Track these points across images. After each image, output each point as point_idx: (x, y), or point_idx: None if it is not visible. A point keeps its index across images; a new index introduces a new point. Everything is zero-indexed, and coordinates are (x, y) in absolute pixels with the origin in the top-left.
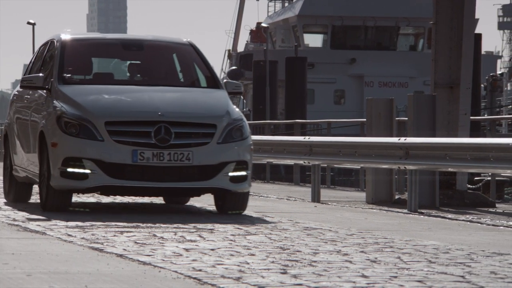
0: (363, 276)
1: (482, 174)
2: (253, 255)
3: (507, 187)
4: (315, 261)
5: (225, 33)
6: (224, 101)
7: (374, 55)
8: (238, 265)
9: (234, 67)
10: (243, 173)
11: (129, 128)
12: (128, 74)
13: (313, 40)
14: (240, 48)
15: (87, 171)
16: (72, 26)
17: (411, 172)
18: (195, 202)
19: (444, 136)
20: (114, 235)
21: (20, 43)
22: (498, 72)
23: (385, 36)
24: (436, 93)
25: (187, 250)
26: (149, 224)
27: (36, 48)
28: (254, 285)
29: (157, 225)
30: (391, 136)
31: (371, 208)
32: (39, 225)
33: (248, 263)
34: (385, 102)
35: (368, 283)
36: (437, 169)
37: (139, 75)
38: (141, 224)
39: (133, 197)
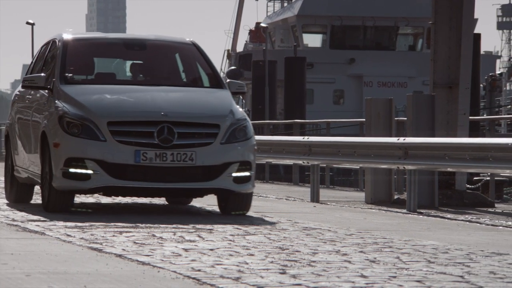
0: (362, 276)
1: (481, 174)
2: (252, 255)
3: (506, 187)
4: (314, 261)
5: (224, 33)
6: (228, 101)
7: (373, 55)
8: (237, 265)
9: (233, 67)
10: (247, 173)
11: (131, 128)
12: (130, 74)
13: (312, 40)
14: (239, 48)
15: (90, 171)
16: (71, 26)
17: (410, 172)
18: (195, 202)
19: (443, 136)
20: (113, 235)
21: (19, 43)
22: (497, 72)
23: (384, 36)
24: (435, 93)
25: (186, 250)
26: (148, 224)
27: (37, 48)
28: (253, 285)
29: (156, 225)
30: (390, 136)
31: (370, 208)
32: (38, 225)
33: (247, 263)
34: (384, 102)
35: (367, 283)
36: (436, 169)
37: (141, 75)
38: (140, 224)
39: (132, 198)
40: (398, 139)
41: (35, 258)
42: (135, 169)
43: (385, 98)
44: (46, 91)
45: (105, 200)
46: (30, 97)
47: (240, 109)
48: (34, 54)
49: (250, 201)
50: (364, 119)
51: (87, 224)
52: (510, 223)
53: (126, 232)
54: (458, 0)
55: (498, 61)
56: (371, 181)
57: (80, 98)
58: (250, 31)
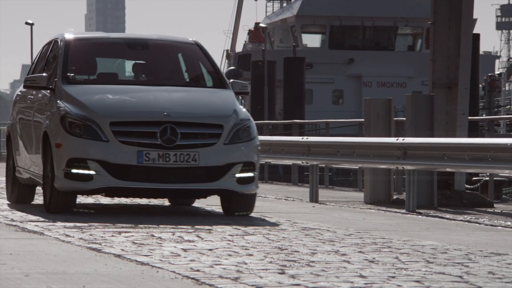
0: (361, 276)
1: (480, 174)
2: (251, 255)
3: (505, 187)
4: (313, 261)
5: (223, 33)
6: (231, 101)
7: (372, 55)
8: (236, 265)
9: (232, 67)
10: (250, 174)
11: (134, 128)
12: (133, 74)
13: (311, 40)
14: (239, 48)
15: (92, 172)
16: (70, 26)
17: (409, 172)
18: (195, 202)
19: (442, 136)
20: (112, 236)
21: (19, 43)
22: (496, 72)
23: (383, 36)
24: (434, 93)
25: (185, 250)
26: (147, 224)
27: (36, 48)
28: (252, 285)
29: (155, 225)
30: (389, 136)
31: (369, 208)
32: (37, 226)
33: (246, 263)
34: (383, 102)
35: (366, 283)
36: (435, 169)
37: (144, 75)
38: (139, 224)
39: (132, 198)
40: (397, 139)
41: (34, 258)
42: (137, 169)
43: (384, 98)
44: (48, 91)
45: (104, 200)
46: (32, 97)
47: (244, 109)
48: (36, 54)
49: (254, 202)
50: (363, 119)
51: (86, 224)
52: (509, 223)
53: (125, 232)
54: (457, 0)
55: (497, 61)
56: (370, 181)
57: (82, 98)
58: (249, 31)
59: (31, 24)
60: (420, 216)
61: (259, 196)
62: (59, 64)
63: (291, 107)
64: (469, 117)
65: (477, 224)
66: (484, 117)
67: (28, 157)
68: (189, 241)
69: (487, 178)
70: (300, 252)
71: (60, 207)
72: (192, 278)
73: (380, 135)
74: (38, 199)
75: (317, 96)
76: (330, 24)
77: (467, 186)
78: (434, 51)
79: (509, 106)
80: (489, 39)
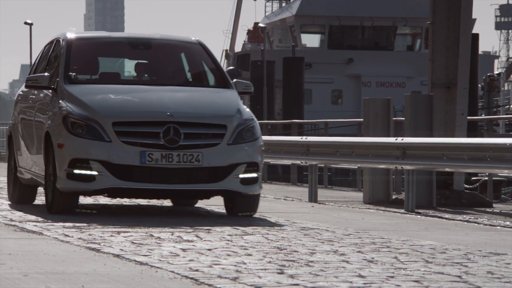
0: (360, 276)
1: (479, 174)
2: (250, 255)
3: (504, 187)
4: (312, 261)
5: (222, 33)
6: (235, 101)
7: (371, 55)
8: (235, 265)
9: (231, 67)
10: (254, 175)
11: (137, 128)
12: (132, 73)
13: (311, 40)
14: (238, 48)
15: (94, 172)
16: (69, 26)
17: (408, 172)
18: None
19: (441, 136)
20: (111, 235)
21: (18, 43)
22: (496, 72)
23: (382, 36)
24: (433, 93)
25: (184, 250)
26: (146, 224)
27: (35, 48)
28: (251, 285)
29: (154, 225)
30: (388, 136)
31: (368, 208)
32: (36, 225)
33: (245, 263)
34: (382, 102)
35: (365, 283)
36: (434, 169)
37: (146, 75)
38: (138, 224)
39: (131, 198)
40: (396, 139)
41: (33, 258)
42: (140, 170)
43: (383, 98)
44: (50, 91)
45: (103, 200)
46: (34, 97)
47: (247, 109)
48: (35, 53)
49: (258, 202)
50: (362, 119)
51: (85, 224)
52: (508, 223)
53: (124, 232)
54: (456, 0)
55: (496, 61)
56: (369, 181)
57: (85, 98)
58: (248, 31)
59: (30, 24)
60: (419, 216)
61: None
62: (61, 63)
63: (290, 107)
64: (468, 117)
65: (476, 224)
66: (483, 117)
67: (30, 157)
68: (188, 241)
69: (486, 178)
70: (299, 252)
71: (62, 208)
72: (191, 278)
73: (379, 135)
74: (38, 199)
75: (316, 96)
76: (329, 24)
77: (466, 186)
78: (433, 51)
79: (508, 106)
80: (488, 39)
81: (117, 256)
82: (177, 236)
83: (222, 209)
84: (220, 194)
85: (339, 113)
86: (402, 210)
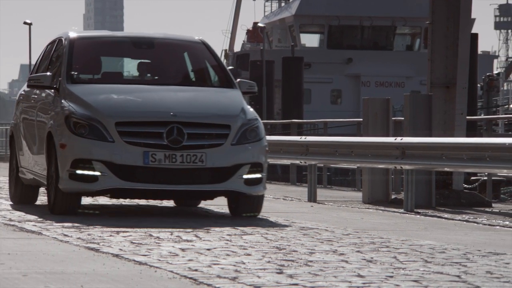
0: (359, 276)
1: (478, 174)
2: (249, 255)
3: (504, 186)
4: (311, 261)
5: (221, 33)
6: (238, 101)
7: (370, 55)
8: (234, 265)
9: (230, 67)
10: (258, 175)
11: (140, 128)
12: (137, 73)
13: (310, 40)
14: (237, 48)
15: (97, 173)
16: (68, 25)
17: (408, 172)
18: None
19: (440, 135)
20: (110, 235)
21: (17, 43)
22: (495, 71)
23: (381, 35)
24: (433, 93)
25: (183, 250)
26: (145, 224)
27: (35, 48)
28: (250, 285)
29: (153, 225)
30: (388, 136)
31: (368, 208)
32: (35, 225)
33: (244, 263)
34: (382, 102)
35: (364, 283)
36: (433, 169)
37: (149, 74)
38: (137, 224)
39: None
40: (396, 139)
41: (32, 258)
42: (143, 170)
43: (383, 98)
44: (52, 90)
45: (102, 200)
46: (36, 96)
47: (251, 109)
48: (34, 53)
49: (262, 203)
50: (361, 119)
51: (84, 224)
52: (507, 222)
53: (123, 232)
54: (455, 0)
55: (495, 61)
56: (369, 181)
57: (87, 98)
58: (248, 31)
59: (29, 24)
60: (418, 216)
61: None
62: (63, 63)
63: (290, 106)
64: (467, 117)
65: (475, 224)
66: (482, 116)
67: (32, 157)
68: (187, 240)
69: (485, 178)
70: (298, 251)
71: (65, 209)
72: (190, 278)
73: (378, 134)
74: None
75: (316, 96)
76: (329, 23)
77: (465, 185)
78: (432, 50)
79: (507, 106)
80: (488, 38)
81: (116, 256)
82: (176, 236)
83: (221, 209)
84: (223, 194)
85: (338, 113)
86: (401, 210)
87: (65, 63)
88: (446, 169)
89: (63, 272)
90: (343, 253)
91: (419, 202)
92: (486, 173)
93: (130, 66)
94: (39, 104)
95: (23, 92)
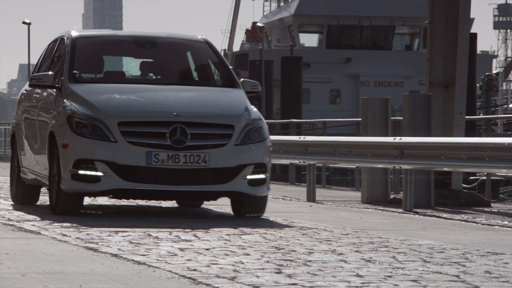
0: (358, 275)
1: (477, 174)
2: (248, 254)
3: (502, 186)
4: (310, 261)
5: (220, 33)
6: (242, 101)
7: (369, 55)
8: (233, 265)
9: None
10: (262, 176)
11: (143, 128)
12: (140, 72)
13: (309, 39)
14: (236, 47)
15: (99, 173)
16: (67, 25)
17: (406, 171)
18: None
19: (439, 135)
20: (109, 235)
21: (16, 43)
22: (494, 71)
23: (380, 35)
24: (431, 93)
25: (182, 249)
26: (144, 224)
27: (33, 48)
28: (249, 285)
29: (152, 224)
30: (387, 135)
31: (367, 208)
32: (34, 225)
33: (243, 263)
34: (381, 102)
35: (362, 283)
36: (432, 168)
37: (152, 74)
38: (136, 224)
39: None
40: (394, 139)
41: (31, 257)
42: (146, 171)
43: (381, 98)
44: (54, 90)
45: (101, 200)
46: (37, 96)
47: (255, 109)
48: (36, 53)
49: (265, 203)
50: (360, 119)
51: (83, 223)
52: (506, 222)
53: (122, 231)
54: (454, 0)
55: (494, 60)
56: (367, 181)
57: (90, 97)
58: (247, 31)
59: (28, 24)
60: (417, 216)
61: None
62: (65, 62)
63: (289, 106)
64: (466, 117)
65: (474, 224)
66: (481, 116)
67: (34, 157)
68: (186, 240)
69: (484, 178)
70: (297, 251)
71: (67, 209)
72: (189, 278)
73: (377, 134)
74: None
75: (315, 96)
76: (328, 23)
77: (464, 185)
78: (431, 50)
79: (506, 106)
80: (487, 38)
81: (115, 255)
82: (175, 236)
83: (220, 209)
84: (227, 195)
85: (337, 112)
86: (400, 210)
87: (67, 62)
88: (445, 169)
89: (61, 272)
90: (342, 253)
91: (418, 202)
92: (485, 173)
93: (133, 66)
94: (41, 103)
95: (24, 92)
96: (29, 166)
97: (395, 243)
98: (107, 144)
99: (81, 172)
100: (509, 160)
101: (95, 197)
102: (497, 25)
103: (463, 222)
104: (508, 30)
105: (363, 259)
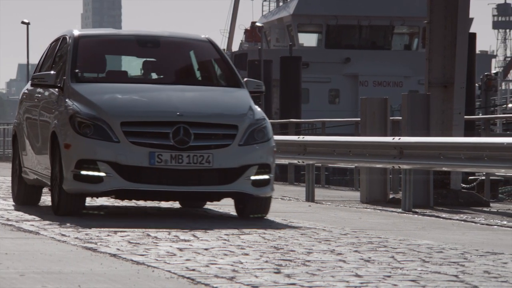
0: (357, 275)
1: (476, 174)
2: (246, 254)
3: (502, 186)
4: (308, 261)
5: (219, 33)
6: (246, 101)
7: (368, 55)
8: (232, 265)
9: None
10: (266, 176)
11: (146, 129)
12: (143, 72)
13: (308, 39)
14: (235, 47)
15: (102, 174)
16: (66, 25)
17: (405, 171)
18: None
19: (438, 135)
20: (108, 235)
21: (15, 43)
22: (493, 71)
23: (379, 35)
24: (430, 92)
25: (180, 249)
26: (143, 224)
27: (32, 48)
28: (248, 285)
29: (151, 224)
30: (386, 135)
31: (365, 208)
32: (33, 225)
33: (241, 263)
34: (380, 102)
35: (361, 283)
36: (431, 168)
37: (155, 73)
38: (135, 224)
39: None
40: (393, 139)
41: (30, 257)
42: (149, 171)
43: (380, 98)
44: (56, 89)
45: (100, 200)
46: (39, 95)
47: (259, 109)
48: (35, 52)
49: (269, 204)
50: (359, 119)
51: (81, 223)
52: (505, 222)
53: (121, 231)
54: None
55: (493, 60)
56: (366, 181)
57: (92, 97)
58: (246, 31)
59: (27, 24)
60: (416, 216)
61: None
62: (67, 61)
63: (288, 106)
64: (465, 116)
65: (473, 224)
66: (480, 116)
67: (36, 157)
68: (185, 240)
69: (483, 178)
70: (296, 251)
71: (69, 210)
72: (188, 278)
73: (376, 134)
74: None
75: (314, 96)
76: (327, 23)
77: (463, 185)
78: (430, 50)
79: (505, 105)
80: (486, 38)
81: (114, 255)
82: (174, 236)
83: (219, 209)
84: (231, 196)
85: (336, 112)
86: (399, 210)
87: (70, 61)
88: (444, 168)
89: (60, 272)
90: (341, 253)
91: (417, 202)
92: (484, 173)
93: (135, 65)
94: (42, 103)
95: (26, 91)
96: (30, 166)
97: (394, 243)
98: (110, 144)
99: (83, 172)
100: (508, 160)
101: (97, 198)
102: (496, 25)
103: (462, 222)
104: (507, 30)
105: (362, 259)
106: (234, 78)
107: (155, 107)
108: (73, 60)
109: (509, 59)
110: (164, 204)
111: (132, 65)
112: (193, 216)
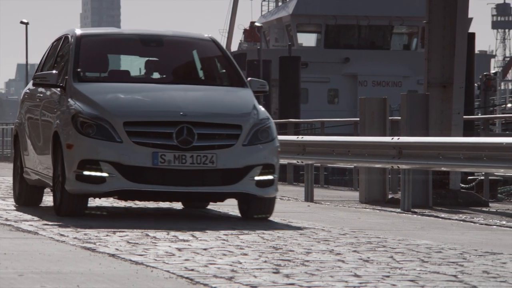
0: (356, 275)
1: (475, 174)
2: (245, 254)
3: (501, 186)
4: (307, 261)
5: (218, 33)
6: (250, 101)
7: (367, 54)
8: (231, 265)
9: None
10: (270, 177)
11: (149, 128)
12: (146, 71)
13: (307, 39)
14: (234, 47)
15: (105, 174)
16: (65, 25)
17: (404, 171)
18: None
19: (437, 135)
20: (107, 235)
21: (14, 43)
22: (492, 71)
23: (378, 35)
24: (430, 92)
25: (179, 249)
26: (141, 224)
27: (31, 47)
28: (247, 285)
29: (150, 224)
30: (385, 135)
31: (364, 208)
32: (32, 225)
33: (240, 263)
34: (379, 102)
35: (360, 283)
36: (430, 168)
37: (157, 73)
38: (134, 224)
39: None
40: (392, 139)
41: (28, 257)
42: (152, 172)
43: (379, 98)
44: (58, 89)
45: (99, 200)
46: (41, 95)
47: (263, 109)
48: (35, 52)
49: (273, 204)
50: (358, 119)
51: (80, 223)
52: (504, 222)
53: (120, 231)
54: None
55: (492, 60)
56: (365, 181)
57: (95, 97)
58: (245, 31)
59: (26, 24)
60: (415, 216)
61: None
62: (69, 61)
63: (287, 106)
64: (464, 116)
65: (472, 224)
66: (479, 116)
67: (37, 158)
68: (184, 240)
69: (482, 177)
70: (294, 251)
71: (71, 211)
72: (187, 278)
73: (375, 134)
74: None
75: (313, 95)
76: (326, 23)
77: (462, 185)
78: (429, 50)
79: (504, 105)
80: (485, 38)
81: (113, 255)
82: (173, 236)
83: (218, 208)
84: (235, 197)
85: (336, 112)
86: (398, 210)
87: (72, 61)
88: (443, 168)
89: (59, 272)
90: (339, 253)
91: (416, 202)
92: (483, 173)
93: (138, 64)
94: (44, 103)
95: (28, 91)
96: (32, 167)
97: (393, 243)
98: (113, 145)
99: (86, 172)
100: (507, 160)
101: (100, 198)
102: (495, 25)
103: (461, 222)
104: (506, 30)
105: (361, 259)
106: (238, 78)
107: (158, 107)
108: (75, 60)
109: (508, 59)
110: (163, 204)
111: (135, 64)
112: (192, 216)
